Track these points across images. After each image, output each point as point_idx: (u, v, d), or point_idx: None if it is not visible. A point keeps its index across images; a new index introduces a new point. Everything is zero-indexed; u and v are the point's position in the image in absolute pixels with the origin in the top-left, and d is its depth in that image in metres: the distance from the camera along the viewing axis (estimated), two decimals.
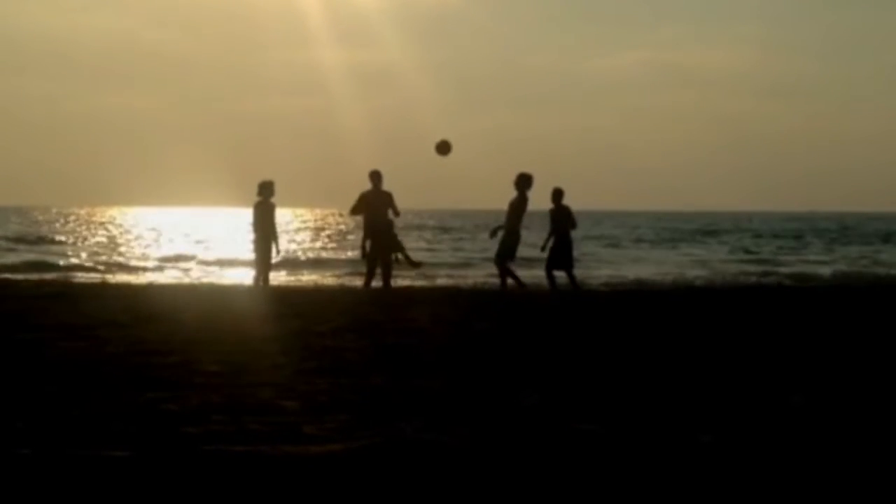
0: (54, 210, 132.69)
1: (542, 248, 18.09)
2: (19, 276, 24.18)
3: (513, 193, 17.60)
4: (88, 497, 4.13)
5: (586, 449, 4.99)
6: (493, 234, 18.12)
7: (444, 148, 17.16)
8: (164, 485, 4.30)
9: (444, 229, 70.88)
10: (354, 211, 17.71)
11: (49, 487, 4.25)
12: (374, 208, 17.60)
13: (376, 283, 17.87)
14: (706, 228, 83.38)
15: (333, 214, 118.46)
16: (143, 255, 43.57)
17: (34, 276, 24.63)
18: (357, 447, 4.94)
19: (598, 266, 37.02)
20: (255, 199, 17.74)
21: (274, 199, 17.75)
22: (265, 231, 17.71)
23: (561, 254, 17.83)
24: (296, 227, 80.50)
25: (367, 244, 17.81)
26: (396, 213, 17.66)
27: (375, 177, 17.63)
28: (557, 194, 17.92)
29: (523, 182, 17.51)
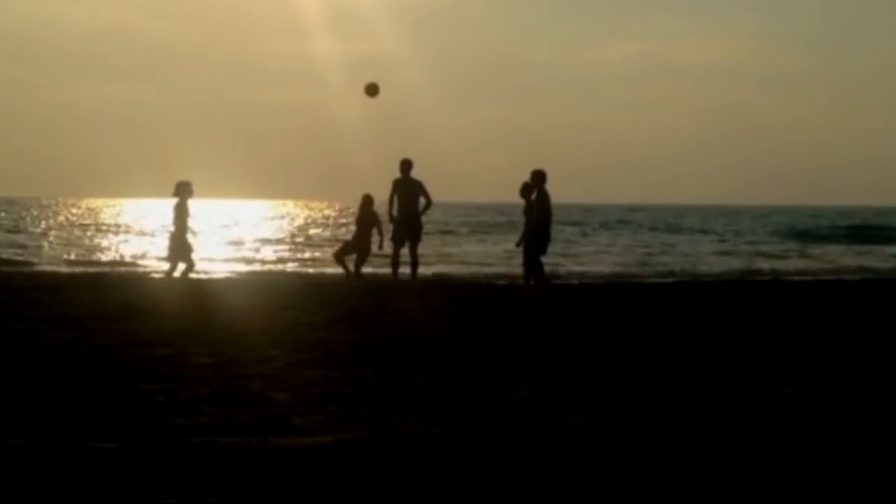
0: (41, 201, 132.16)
1: (518, 244, 18.16)
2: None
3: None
4: (78, 488, 4.12)
5: (577, 441, 4.99)
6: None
7: (372, 90, 17.23)
8: (153, 476, 4.30)
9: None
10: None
11: (38, 478, 4.24)
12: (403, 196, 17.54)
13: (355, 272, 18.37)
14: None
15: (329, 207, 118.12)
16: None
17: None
18: (347, 439, 4.95)
19: None
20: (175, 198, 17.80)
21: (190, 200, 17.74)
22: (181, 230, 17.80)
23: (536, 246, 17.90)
24: (286, 219, 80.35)
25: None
26: (428, 202, 17.58)
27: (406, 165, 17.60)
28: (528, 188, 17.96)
29: (540, 178, 17.48)
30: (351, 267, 18.63)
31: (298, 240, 50.21)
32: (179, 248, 17.88)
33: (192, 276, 18.15)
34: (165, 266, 18.75)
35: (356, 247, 18.70)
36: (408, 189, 17.44)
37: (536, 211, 17.27)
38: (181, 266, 17.92)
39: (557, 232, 22.30)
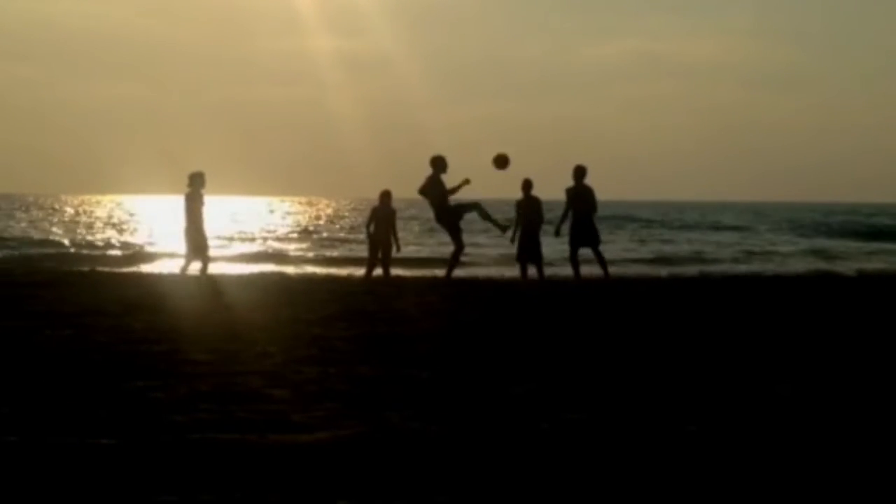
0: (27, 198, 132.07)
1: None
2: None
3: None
4: (75, 485, 4.12)
5: (574, 438, 4.99)
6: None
7: (501, 162, 17.12)
8: (151, 473, 4.30)
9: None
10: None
11: (36, 475, 4.24)
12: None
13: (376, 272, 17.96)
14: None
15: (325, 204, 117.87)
16: None
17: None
18: (345, 436, 4.95)
19: None
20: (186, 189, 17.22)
21: (203, 190, 17.20)
22: (195, 221, 17.18)
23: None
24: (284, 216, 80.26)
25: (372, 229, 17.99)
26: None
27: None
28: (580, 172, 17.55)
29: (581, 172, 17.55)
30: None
31: (297, 236, 50.24)
32: (194, 241, 17.25)
33: (208, 272, 17.41)
34: (181, 262, 17.83)
35: (381, 246, 17.94)
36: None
37: (581, 202, 17.39)
38: (194, 263, 17.24)
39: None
